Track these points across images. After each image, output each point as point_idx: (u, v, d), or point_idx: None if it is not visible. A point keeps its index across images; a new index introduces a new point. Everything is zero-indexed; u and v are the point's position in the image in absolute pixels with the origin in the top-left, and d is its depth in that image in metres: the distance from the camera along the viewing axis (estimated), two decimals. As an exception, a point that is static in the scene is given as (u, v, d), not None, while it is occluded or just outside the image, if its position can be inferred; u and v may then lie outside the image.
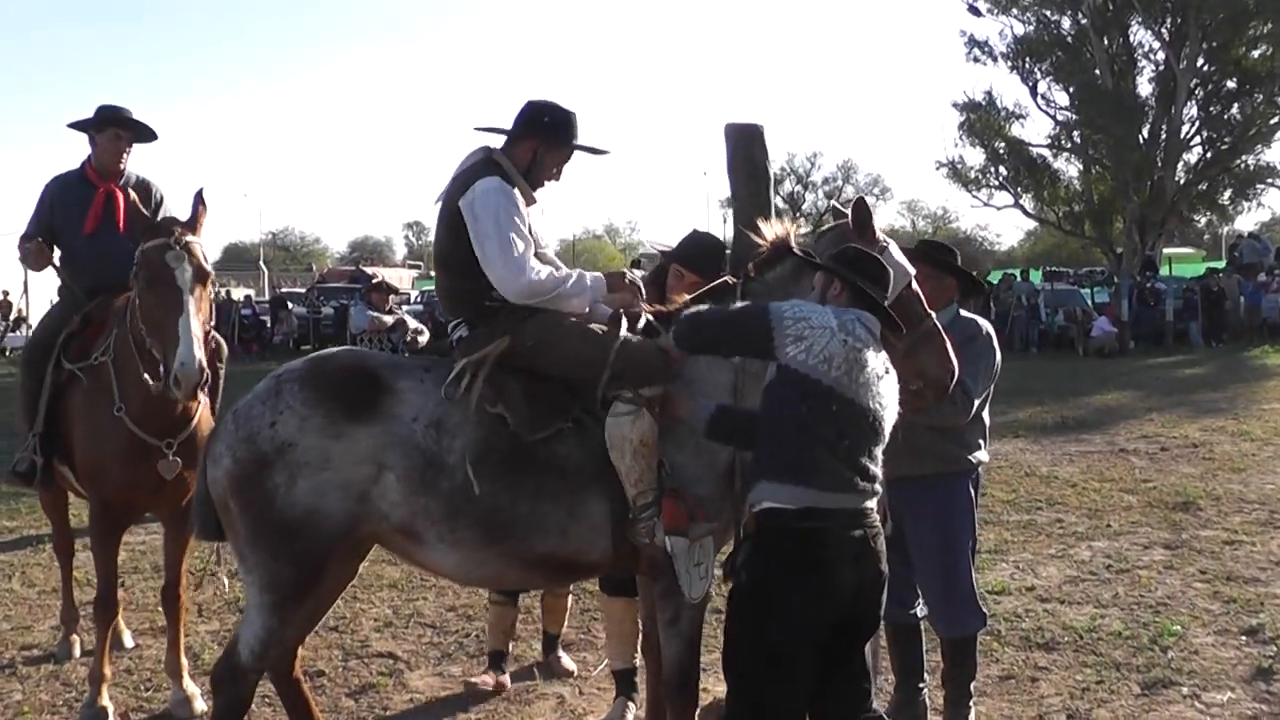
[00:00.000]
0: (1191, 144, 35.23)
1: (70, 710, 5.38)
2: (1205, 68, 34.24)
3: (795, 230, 4.21)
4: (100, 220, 5.44)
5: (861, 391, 3.49)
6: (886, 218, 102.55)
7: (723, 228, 62.86)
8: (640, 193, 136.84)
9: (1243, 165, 34.76)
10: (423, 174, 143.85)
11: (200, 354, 4.46)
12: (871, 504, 3.54)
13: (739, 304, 3.96)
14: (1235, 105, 34.36)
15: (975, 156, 39.07)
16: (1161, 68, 35.24)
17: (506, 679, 5.55)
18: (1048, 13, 36.49)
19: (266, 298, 38.05)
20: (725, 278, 4.35)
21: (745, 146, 4.72)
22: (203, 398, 5.19)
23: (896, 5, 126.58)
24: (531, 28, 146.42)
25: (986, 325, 4.81)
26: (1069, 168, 38.99)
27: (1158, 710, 5.24)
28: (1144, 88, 36.11)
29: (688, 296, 4.29)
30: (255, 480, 3.79)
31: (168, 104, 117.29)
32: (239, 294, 35.72)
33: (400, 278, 45.69)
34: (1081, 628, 6.30)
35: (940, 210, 66.90)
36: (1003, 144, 38.44)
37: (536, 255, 4.07)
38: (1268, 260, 29.56)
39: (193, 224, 4.79)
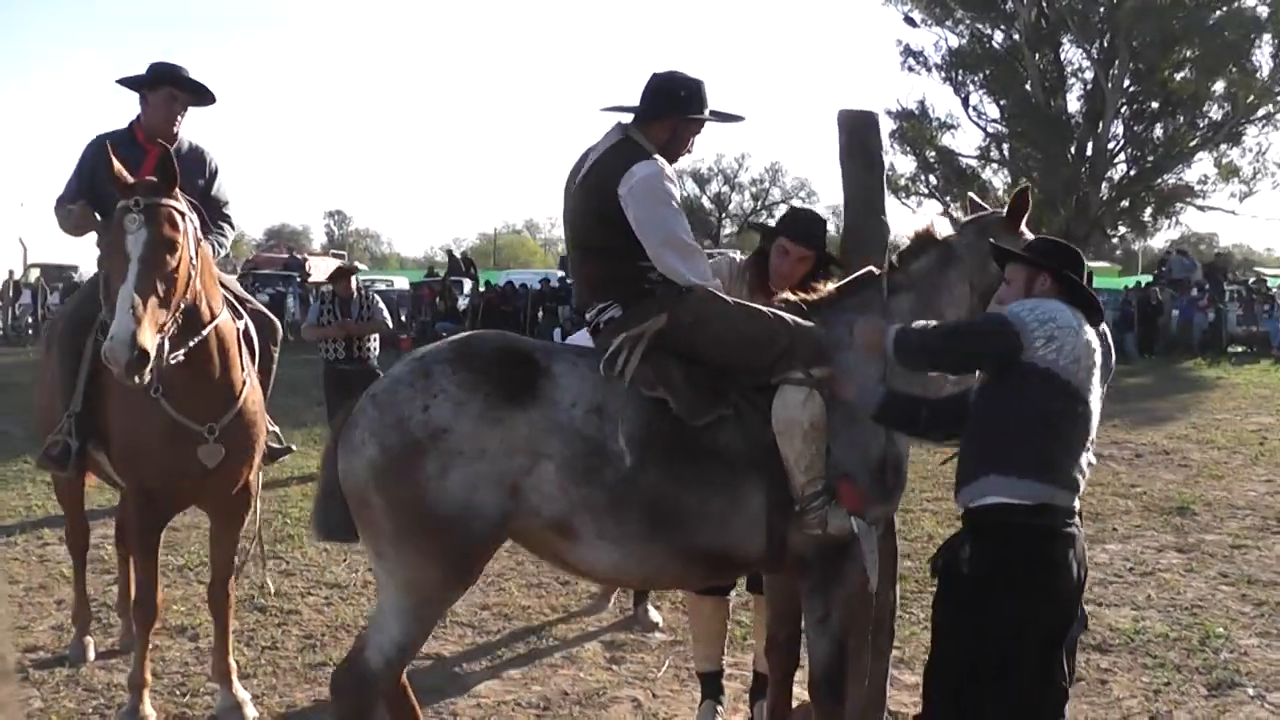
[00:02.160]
0: (1116, 161, 35.96)
1: (101, 718, 4.98)
2: (1132, 88, 34.96)
3: (941, 221, 4.18)
4: None
5: (1095, 392, 3.47)
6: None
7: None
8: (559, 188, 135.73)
9: (1164, 184, 35.59)
10: (343, 161, 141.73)
11: (139, 330, 3.97)
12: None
13: (969, 318, 3.92)
14: (1158, 126, 35.15)
15: (906, 164, 39.46)
16: (1090, 86, 35.91)
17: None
18: (981, 27, 36.99)
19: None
20: (869, 267, 4.22)
21: (860, 133, 4.51)
22: (250, 379, 4.84)
23: (830, 10, 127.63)
24: (456, 12, 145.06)
25: None
26: (997, 179, 39.61)
27: (1231, 712, 5.21)
28: (1073, 105, 36.78)
29: (832, 285, 4.17)
30: (405, 470, 3.44)
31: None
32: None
33: (327, 266, 44.50)
34: (1128, 630, 6.26)
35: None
36: (934, 153, 38.86)
37: None
38: (1195, 276, 30.28)
39: (168, 185, 4.35)
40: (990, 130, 38.44)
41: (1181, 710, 5.19)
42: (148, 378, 4.08)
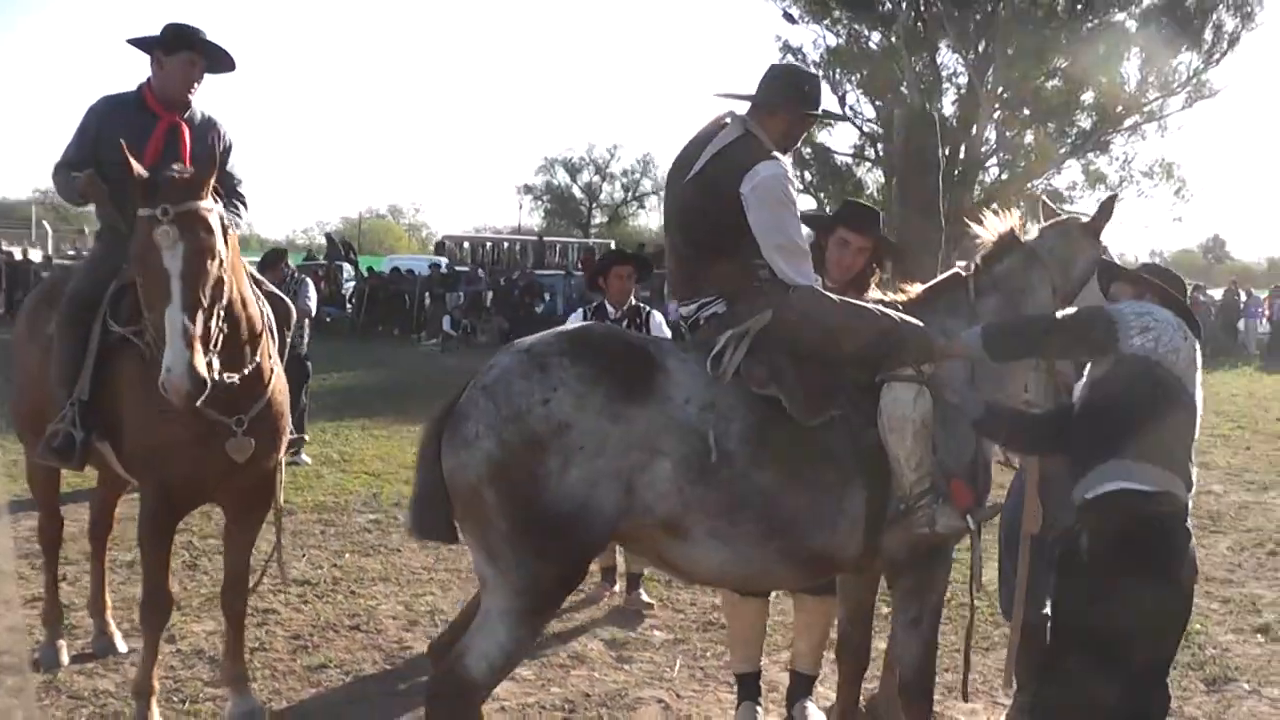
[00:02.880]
0: (988, 165, 37.11)
1: (93, 726, 4.63)
2: (1005, 94, 36.07)
3: (1020, 225, 4.14)
4: (161, 156, 4.62)
5: (1197, 390, 3.49)
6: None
7: (519, 213, 62.70)
8: (426, 175, 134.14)
9: (1033, 189, 36.87)
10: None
11: (194, 356, 3.79)
12: None
13: (1049, 312, 3.87)
14: (1029, 133, 36.39)
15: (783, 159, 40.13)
16: (964, 91, 36.94)
17: None
18: (859, 27, 37.67)
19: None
20: (956, 269, 4.24)
21: (919, 135, 4.50)
22: (277, 366, 4.55)
23: (707, 4, 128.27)
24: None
25: None
26: (870, 178, 40.50)
27: (1235, 707, 5.34)
28: (948, 108, 37.76)
29: (920, 286, 4.14)
30: (524, 466, 3.29)
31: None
32: (36, 255, 32.66)
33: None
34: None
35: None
36: (809, 150, 39.54)
37: None
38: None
39: (197, 184, 4.07)
40: (866, 129, 39.29)
41: (1189, 705, 5.29)
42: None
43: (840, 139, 40.41)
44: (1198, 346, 3.55)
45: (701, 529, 3.45)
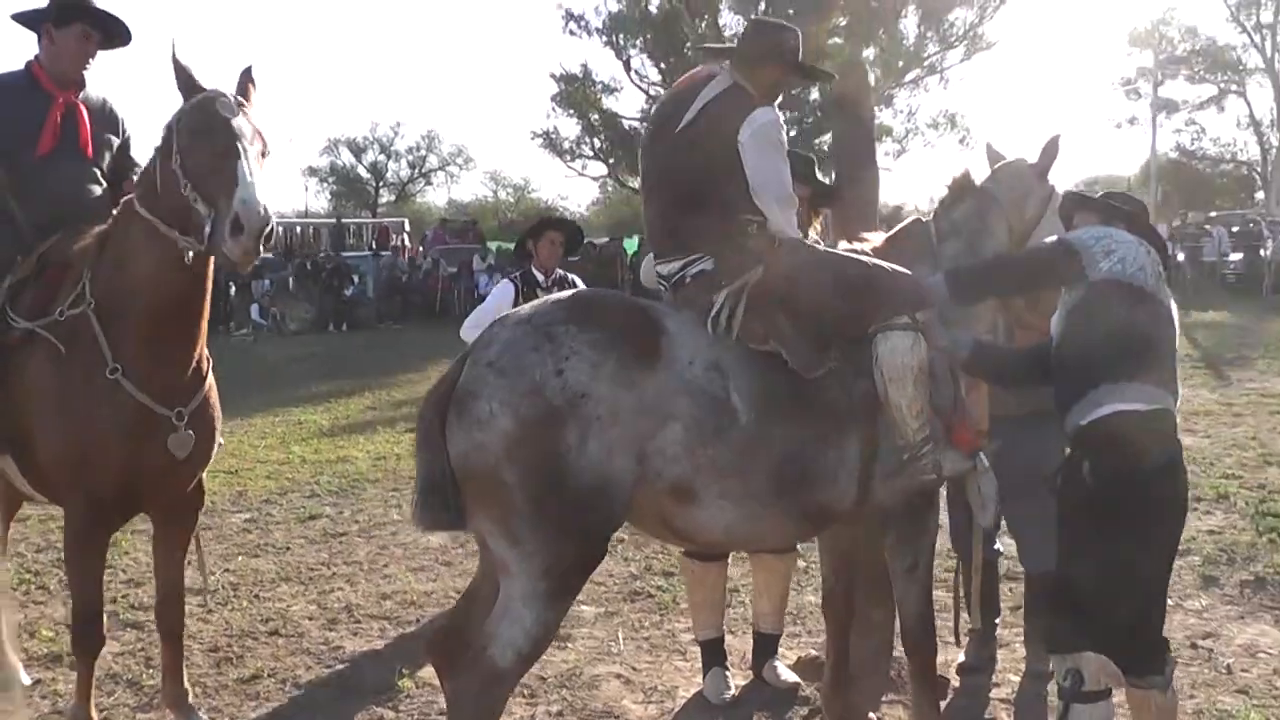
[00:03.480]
0: (776, 121, 37.96)
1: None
2: (788, 53, 36.86)
3: (968, 170, 4.21)
4: (59, 138, 4.24)
5: (1170, 302, 3.58)
6: (470, 188, 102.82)
7: (305, 196, 60.58)
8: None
9: (822, 144, 37.89)
10: None
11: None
12: None
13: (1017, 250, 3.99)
14: (814, 90, 37.34)
15: (571, 127, 40.00)
16: (746, 50, 37.61)
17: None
18: (638, -8, 37.68)
19: None
20: (915, 215, 4.29)
21: (850, 84, 4.52)
22: (209, 357, 4.23)
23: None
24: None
25: None
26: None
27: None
28: (732, 69, 38.36)
29: (881, 235, 4.16)
30: (543, 440, 3.17)
31: None
32: None
33: None
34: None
35: (523, 180, 67.36)
36: (597, 116, 39.59)
37: None
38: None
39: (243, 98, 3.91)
40: (653, 93, 39.49)
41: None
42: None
43: (627, 103, 40.41)
44: (1159, 260, 3.65)
45: (711, 491, 3.41)
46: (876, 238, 4.11)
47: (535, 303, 3.56)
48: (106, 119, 4.42)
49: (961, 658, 4.96)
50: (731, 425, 3.39)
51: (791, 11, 35.11)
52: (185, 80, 3.81)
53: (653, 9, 38.22)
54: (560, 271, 6.14)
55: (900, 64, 35.09)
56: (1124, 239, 3.56)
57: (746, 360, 3.50)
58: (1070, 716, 3.44)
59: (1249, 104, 41.63)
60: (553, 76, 39.52)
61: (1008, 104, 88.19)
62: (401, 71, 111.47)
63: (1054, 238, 3.78)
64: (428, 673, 4.88)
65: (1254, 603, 5.68)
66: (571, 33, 38.91)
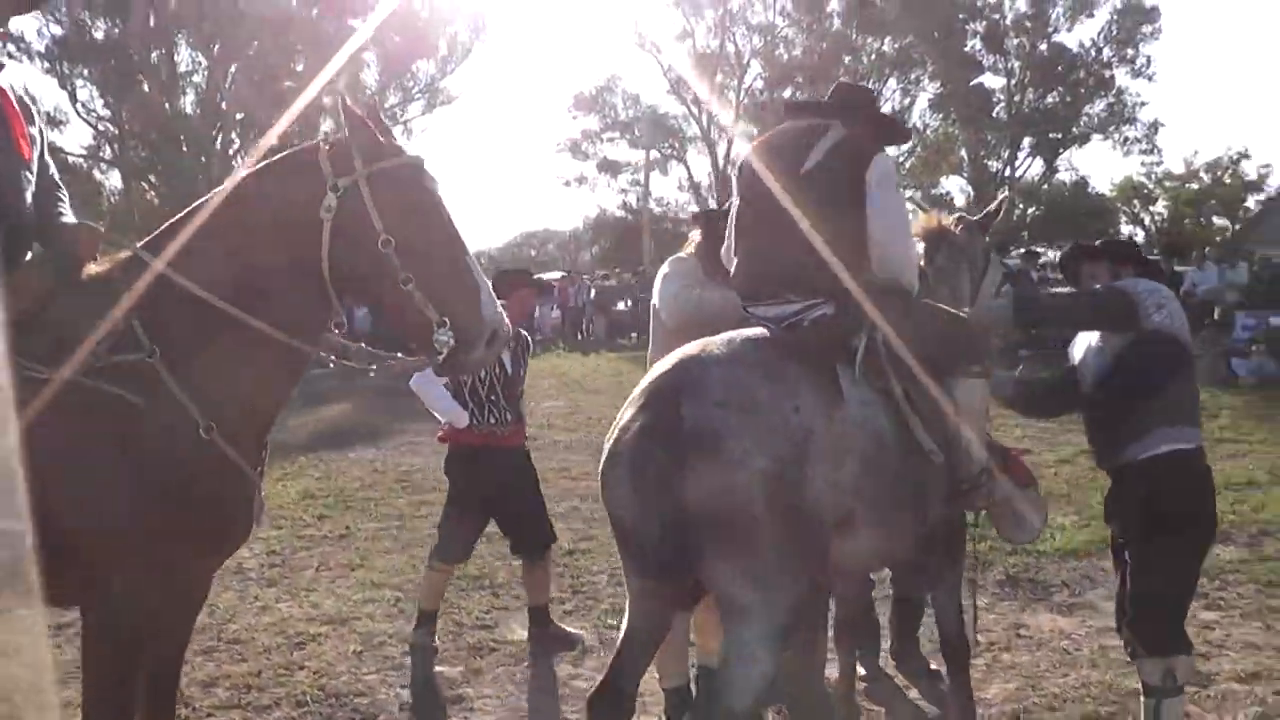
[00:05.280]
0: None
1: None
2: (245, 94, 34.94)
3: (952, 220, 4.74)
4: None
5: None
6: None
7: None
8: None
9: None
10: None
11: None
12: None
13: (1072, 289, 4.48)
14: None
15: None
16: (205, 90, 35.38)
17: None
18: (85, 16, 34.22)
19: None
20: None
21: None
22: None
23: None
24: None
25: None
26: (110, 180, 37.57)
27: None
28: (189, 108, 35.89)
29: None
30: (792, 478, 3.23)
31: None
32: None
33: None
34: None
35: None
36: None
37: None
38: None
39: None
40: (101, 128, 36.21)
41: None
42: None
43: (71, 138, 36.63)
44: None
45: (869, 519, 3.51)
46: None
47: (716, 340, 3.51)
48: (26, 116, 3.42)
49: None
50: (882, 455, 3.54)
51: (251, 53, 33.69)
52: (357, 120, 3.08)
53: (98, 36, 34.87)
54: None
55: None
56: (1169, 295, 4.13)
57: (873, 399, 3.62)
58: (1162, 711, 3.94)
59: (689, 168, 45.60)
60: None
61: (468, 158, 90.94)
62: None
63: (1110, 284, 4.23)
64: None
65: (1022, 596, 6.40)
66: (11, 55, 34.49)
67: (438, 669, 5.38)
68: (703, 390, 3.29)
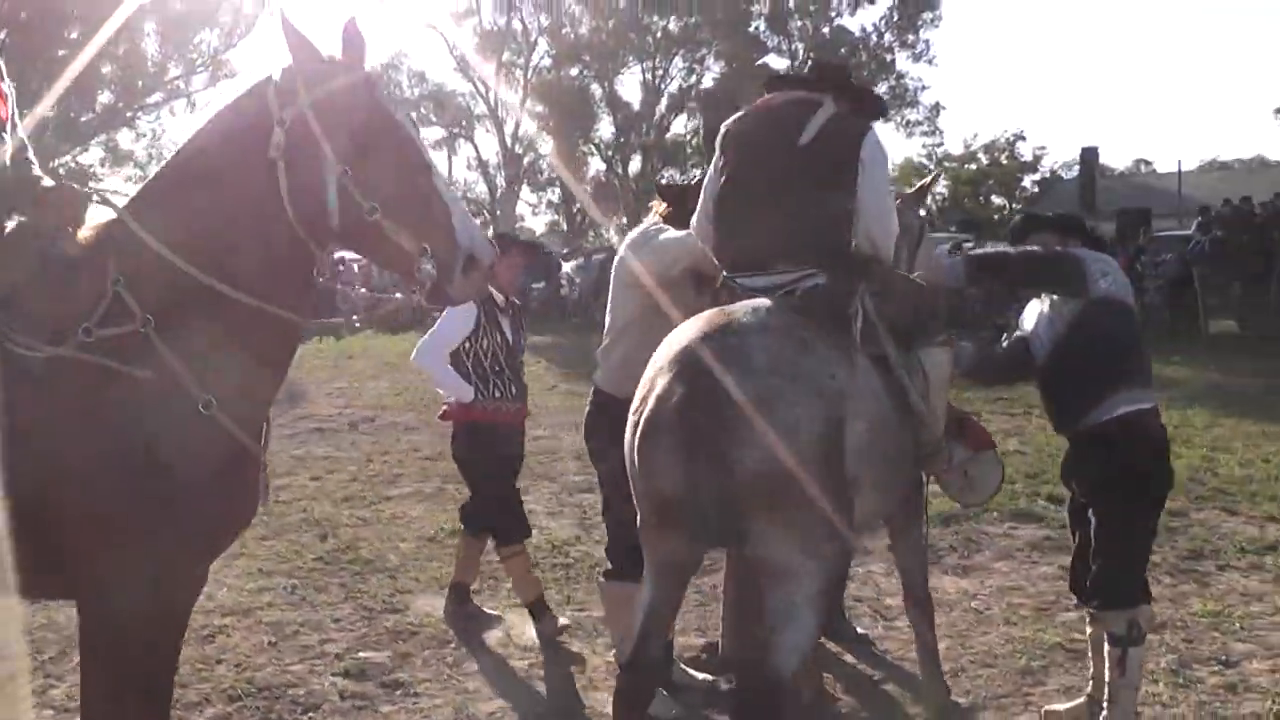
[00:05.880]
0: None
1: None
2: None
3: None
4: None
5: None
6: None
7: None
8: None
9: (62, 166, 34.07)
10: None
11: None
12: None
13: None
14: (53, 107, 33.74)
15: None
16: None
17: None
18: None
19: None
20: None
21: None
22: None
23: None
24: None
25: None
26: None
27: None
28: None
29: None
30: (838, 441, 3.37)
31: None
32: None
33: None
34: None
35: None
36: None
37: None
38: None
39: None
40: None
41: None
42: None
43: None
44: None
45: (871, 479, 3.57)
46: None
47: (738, 308, 3.60)
48: None
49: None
50: (883, 417, 3.64)
51: (24, 17, 31.29)
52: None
53: None
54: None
55: (140, 84, 32.97)
56: (1111, 262, 4.40)
57: (870, 364, 3.71)
58: (1128, 659, 4.12)
59: (476, 147, 45.13)
60: None
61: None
62: None
63: (1059, 249, 4.42)
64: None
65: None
66: None
67: (362, 654, 5.38)
68: (747, 359, 3.33)
